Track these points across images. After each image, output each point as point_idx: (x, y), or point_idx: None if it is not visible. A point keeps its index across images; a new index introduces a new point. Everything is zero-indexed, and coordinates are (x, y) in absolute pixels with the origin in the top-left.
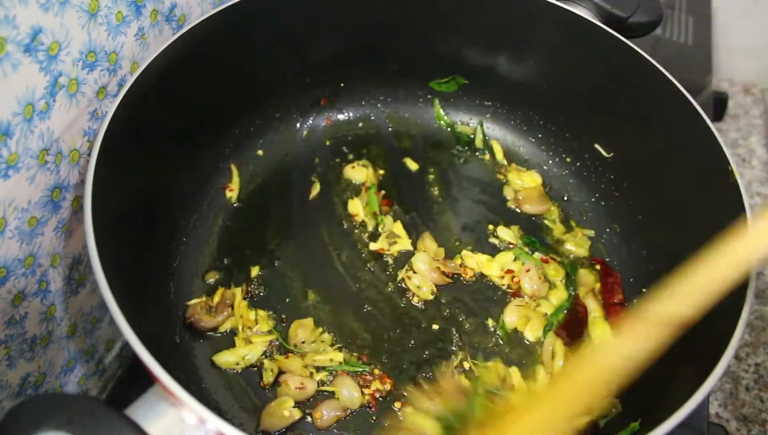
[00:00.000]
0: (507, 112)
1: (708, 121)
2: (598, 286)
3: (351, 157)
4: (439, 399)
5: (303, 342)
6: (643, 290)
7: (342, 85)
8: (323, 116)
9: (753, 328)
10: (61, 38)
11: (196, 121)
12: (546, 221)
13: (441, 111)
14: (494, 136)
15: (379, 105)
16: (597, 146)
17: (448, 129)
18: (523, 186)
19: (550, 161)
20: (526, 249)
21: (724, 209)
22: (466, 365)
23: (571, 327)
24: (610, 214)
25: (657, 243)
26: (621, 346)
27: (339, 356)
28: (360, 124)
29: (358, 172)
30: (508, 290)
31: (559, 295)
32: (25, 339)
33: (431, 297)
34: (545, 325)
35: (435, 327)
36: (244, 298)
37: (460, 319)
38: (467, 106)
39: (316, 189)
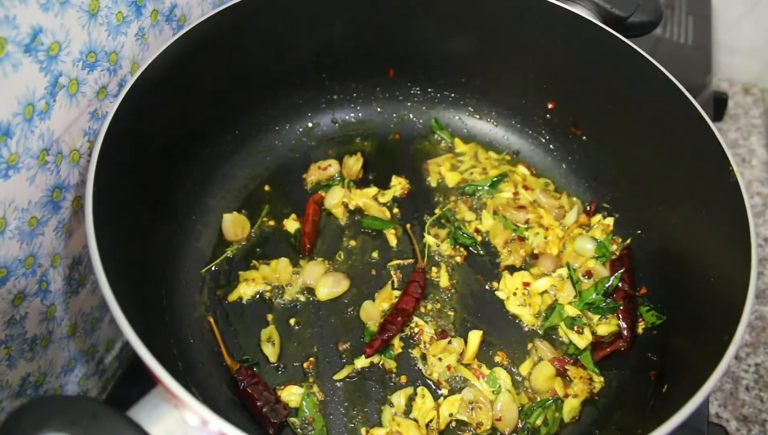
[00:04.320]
0: (507, 113)
1: (708, 121)
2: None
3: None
4: None
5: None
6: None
7: (342, 85)
8: (323, 116)
9: (753, 328)
10: (62, 38)
11: (197, 121)
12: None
13: (436, 122)
14: (495, 136)
15: (379, 106)
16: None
17: (445, 138)
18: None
19: (549, 159)
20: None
21: (724, 209)
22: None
23: None
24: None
25: (655, 241)
26: None
27: None
28: (360, 125)
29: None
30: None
31: None
32: (26, 339)
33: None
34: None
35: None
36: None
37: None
38: (466, 107)
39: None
